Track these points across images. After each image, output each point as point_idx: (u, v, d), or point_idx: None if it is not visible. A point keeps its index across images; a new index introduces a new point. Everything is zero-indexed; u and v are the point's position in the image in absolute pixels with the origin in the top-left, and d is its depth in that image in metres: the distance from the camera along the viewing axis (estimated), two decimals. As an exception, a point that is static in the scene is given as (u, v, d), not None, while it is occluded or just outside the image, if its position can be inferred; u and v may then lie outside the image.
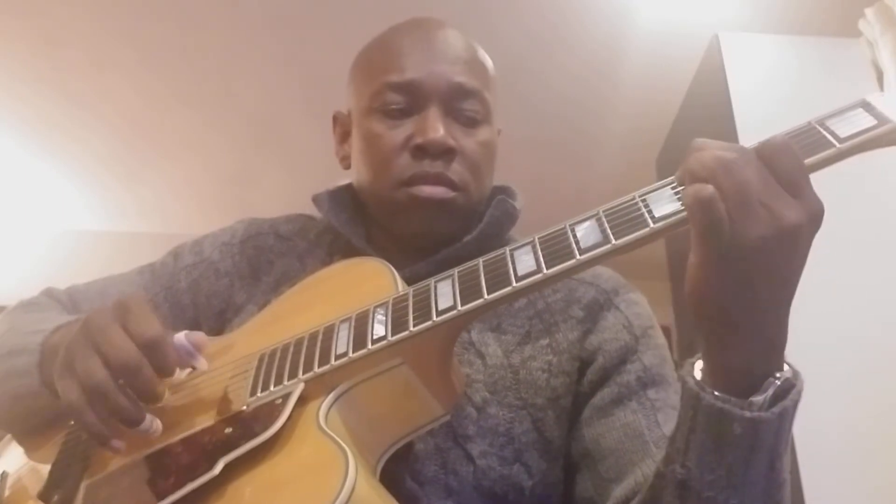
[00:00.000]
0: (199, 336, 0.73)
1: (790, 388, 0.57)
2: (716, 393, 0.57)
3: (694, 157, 0.54)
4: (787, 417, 0.57)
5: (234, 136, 3.17)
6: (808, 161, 0.55)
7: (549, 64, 2.75)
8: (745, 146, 0.54)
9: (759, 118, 2.05)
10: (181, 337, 0.71)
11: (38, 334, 0.78)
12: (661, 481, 0.62)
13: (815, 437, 1.74)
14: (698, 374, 0.59)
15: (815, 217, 0.53)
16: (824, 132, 0.55)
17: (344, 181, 0.96)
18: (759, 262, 0.52)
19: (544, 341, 0.82)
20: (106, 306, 0.68)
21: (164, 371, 0.66)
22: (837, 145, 0.54)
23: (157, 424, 0.67)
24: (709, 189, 0.51)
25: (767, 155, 0.53)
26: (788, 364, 0.58)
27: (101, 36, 2.63)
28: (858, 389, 1.79)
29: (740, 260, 0.52)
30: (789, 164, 0.53)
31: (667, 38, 2.60)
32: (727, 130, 2.08)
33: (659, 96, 2.73)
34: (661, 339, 0.86)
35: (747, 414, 0.55)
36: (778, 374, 0.56)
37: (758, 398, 0.56)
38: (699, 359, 0.60)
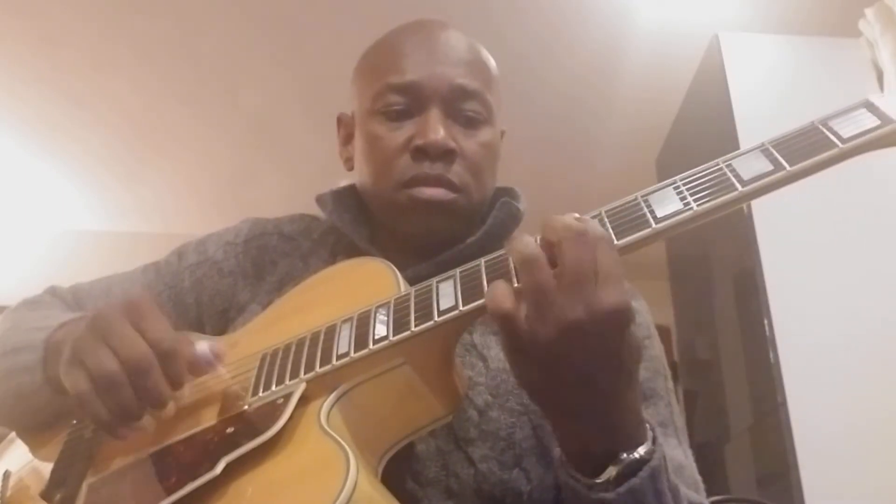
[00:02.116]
0: (222, 348, 0.73)
1: (642, 465, 0.58)
2: (568, 472, 0.60)
3: (512, 244, 0.57)
4: (642, 493, 0.58)
5: (233, 136, 3.17)
6: (810, 161, 0.55)
7: (550, 64, 2.75)
8: (554, 232, 0.56)
9: (758, 118, 2.05)
10: (204, 347, 0.71)
11: (42, 331, 0.78)
12: None
13: (814, 436, 1.74)
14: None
15: (599, 315, 0.53)
16: (827, 132, 0.55)
17: (344, 182, 0.96)
18: (551, 361, 0.55)
19: None
20: (114, 305, 0.68)
21: (175, 382, 0.66)
22: (840, 145, 0.54)
23: (152, 422, 0.67)
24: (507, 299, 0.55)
25: (559, 251, 0.55)
26: (652, 437, 0.60)
27: (102, 36, 2.63)
28: (858, 389, 1.79)
29: (539, 355, 0.55)
30: (575, 261, 0.54)
31: (667, 38, 2.61)
32: (727, 130, 2.08)
33: (659, 96, 2.73)
34: (656, 350, 0.86)
35: (592, 495, 0.58)
36: (623, 455, 0.58)
37: (599, 480, 0.58)
38: None
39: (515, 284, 0.58)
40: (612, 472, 0.58)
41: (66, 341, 0.69)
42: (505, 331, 0.56)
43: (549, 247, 0.56)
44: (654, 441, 0.60)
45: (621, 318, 0.54)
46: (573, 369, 0.55)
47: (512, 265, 0.61)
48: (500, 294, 0.56)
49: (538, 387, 0.59)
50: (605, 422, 0.58)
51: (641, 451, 0.59)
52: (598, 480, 0.58)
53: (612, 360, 0.56)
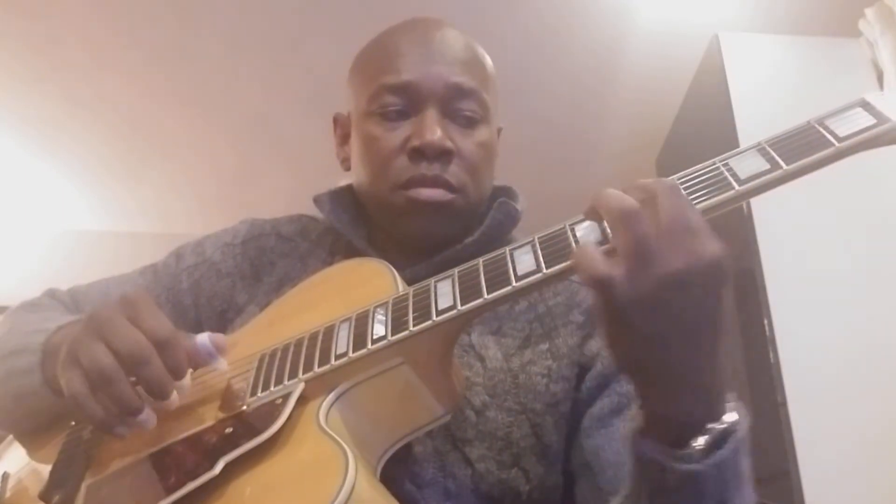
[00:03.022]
0: (221, 338, 0.72)
1: (728, 436, 0.56)
2: (651, 443, 0.57)
3: (600, 201, 0.55)
4: (728, 466, 0.56)
5: (235, 136, 3.16)
6: (807, 160, 0.55)
7: (548, 66, 2.74)
8: (643, 189, 0.54)
9: (759, 118, 2.05)
10: (204, 338, 0.71)
11: (40, 334, 0.78)
12: None
13: (814, 436, 1.74)
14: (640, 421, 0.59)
15: (703, 264, 0.51)
16: (823, 131, 0.55)
17: (345, 181, 0.96)
18: (651, 318, 0.52)
19: (544, 346, 0.82)
20: (110, 302, 0.68)
21: (176, 371, 0.65)
22: (836, 144, 0.55)
23: (153, 418, 0.67)
24: (596, 255, 0.53)
25: (652, 203, 0.53)
26: (735, 408, 0.57)
27: (102, 36, 2.63)
28: (858, 389, 1.79)
29: (634, 315, 0.52)
30: (672, 212, 0.52)
31: (667, 38, 2.60)
32: (727, 131, 2.08)
33: (659, 97, 2.73)
34: None
35: (680, 467, 0.55)
36: (712, 425, 0.56)
37: (689, 451, 0.55)
38: None
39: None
40: (701, 441, 0.55)
41: (65, 343, 0.69)
42: (602, 294, 0.53)
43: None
44: (737, 412, 0.58)
45: (723, 269, 0.52)
46: (675, 325, 0.52)
47: (510, 263, 0.61)
48: (593, 257, 0.53)
49: (635, 351, 0.55)
50: (699, 384, 0.55)
51: (729, 420, 0.56)
52: (686, 451, 0.55)
53: (712, 314, 0.53)
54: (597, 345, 0.82)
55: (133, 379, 0.64)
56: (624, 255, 0.52)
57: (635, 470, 0.59)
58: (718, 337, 0.54)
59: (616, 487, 0.73)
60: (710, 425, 0.56)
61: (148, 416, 0.66)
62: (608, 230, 0.57)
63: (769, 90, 2.14)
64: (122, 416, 0.64)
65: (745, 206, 1.95)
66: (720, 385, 0.56)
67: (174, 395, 0.67)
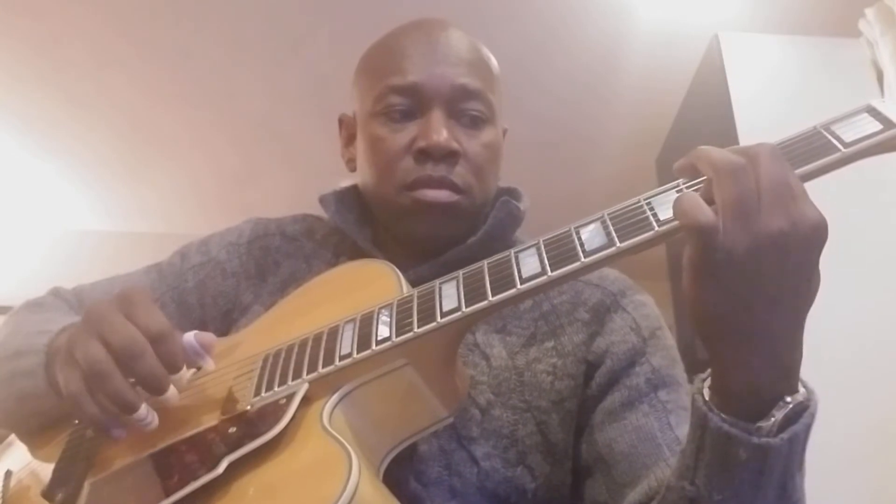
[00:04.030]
0: (209, 336, 0.72)
1: (802, 412, 0.55)
2: (723, 415, 0.56)
3: (702, 156, 0.54)
4: (798, 442, 0.55)
5: (237, 136, 3.16)
6: (812, 166, 0.55)
7: (548, 66, 2.74)
8: (745, 151, 0.53)
9: (759, 118, 2.05)
10: (190, 336, 0.71)
11: (44, 335, 0.78)
12: (673, 495, 0.62)
13: (814, 437, 1.74)
14: (707, 393, 0.58)
15: (803, 227, 0.51)
16: (829, 137, 0.55)
17: (347, 181, 0.97)
18: (743, 278, 0.51)
19: (549, 343, 0.82)
20: (105, 299, 0.68)
21: (171, 366, 0.65)
22: (842, 150, 0.54)
23: (154, 416, 0.66)
24: (706, 209, 0.51)
25: (756, 162, 0.52)
26: (804, 384, 0.56)
27: (104, 35, 2.62)
28: (858, 390, 1.79)
29: (731, 274, 0.51)
30: (776, 173, 0.51)
31: (667, 39, 2.60)
32: (727, 131, 2.08)
33: (658, 97, 2.72)
34: (669, 339, 0.85)
35: (754, 440, 0.54)
36: (788, 398, 0.55)
37: (765, 423, 0.54)
38: (709, 375, 0.58)
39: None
40: (778, 415, 0.54)
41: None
42: (702, 245, 0.51)
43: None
44: (805, 386, 0.56)
45: (822, 235, 0.52)
46: (765, 288, 0.51)
47: (515, 265, 0.61)
48: (697, 206, 0.51)
49: (721, 310, 0.53)
50: (779, 352, 0.54)
51: (801, 395, 0.55)
52: (764, 423, 0.54)
53: (803, 281, 0.52)
54: (605, 342, 0.82)
55: (132, 380, 0.64)
56: (727, 209, 0.51)
57: (696, 445, 0.58)
58: (804, 307, 0.54)
59: (630, 479, 0.74)
60: (788, 398, 0.55)
61: (147, 413, 0.65)
62: (614, 234, 0.57)
63: (769, 90, 2.13)
64: (119, 415, 0.64)
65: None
66: (798, 358, 0.55)
67: (172, 390, 0.67)
